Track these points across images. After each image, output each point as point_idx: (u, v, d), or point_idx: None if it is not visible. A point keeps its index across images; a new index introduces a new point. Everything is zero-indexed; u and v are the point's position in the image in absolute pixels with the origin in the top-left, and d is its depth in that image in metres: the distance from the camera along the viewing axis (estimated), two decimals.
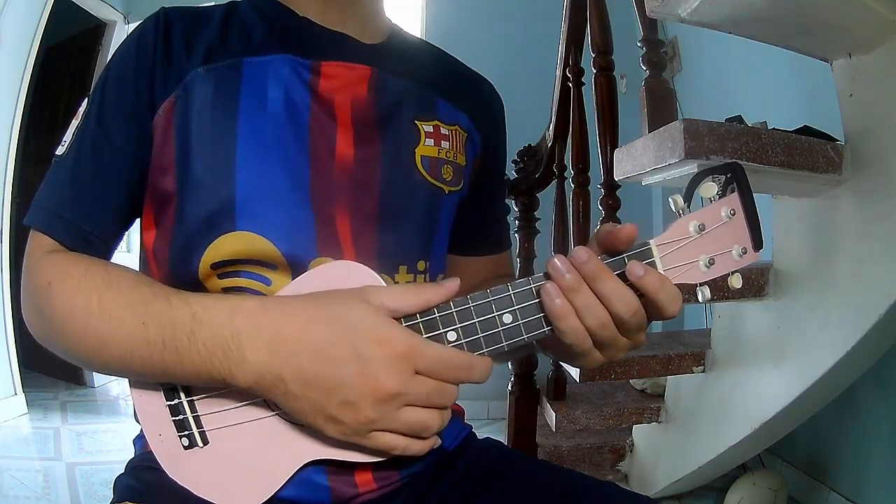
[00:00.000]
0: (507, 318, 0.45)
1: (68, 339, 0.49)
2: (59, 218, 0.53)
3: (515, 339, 0.45)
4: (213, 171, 0.52)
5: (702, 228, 0.45)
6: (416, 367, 0.43)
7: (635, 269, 0.43)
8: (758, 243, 0.45)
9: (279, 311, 0.44)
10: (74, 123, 0.55)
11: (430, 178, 0.60)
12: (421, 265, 0.59)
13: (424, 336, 0.45)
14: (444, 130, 0.62)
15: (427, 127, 0.61)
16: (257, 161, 0.53)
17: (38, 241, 0.53)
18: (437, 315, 0.45)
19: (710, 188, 0.45)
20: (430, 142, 0.60)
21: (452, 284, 0.45)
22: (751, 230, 0.45)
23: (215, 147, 0.53)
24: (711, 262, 0.45)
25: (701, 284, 0.46)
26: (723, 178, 0.46)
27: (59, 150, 0.55)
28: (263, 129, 0.53)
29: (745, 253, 0.45)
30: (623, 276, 0.44)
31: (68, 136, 0.55)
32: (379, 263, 0.49)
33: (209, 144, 0.53)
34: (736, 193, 0.45)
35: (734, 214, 0.45)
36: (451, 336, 0.45)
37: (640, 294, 0.44)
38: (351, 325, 0.43)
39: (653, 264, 0.45)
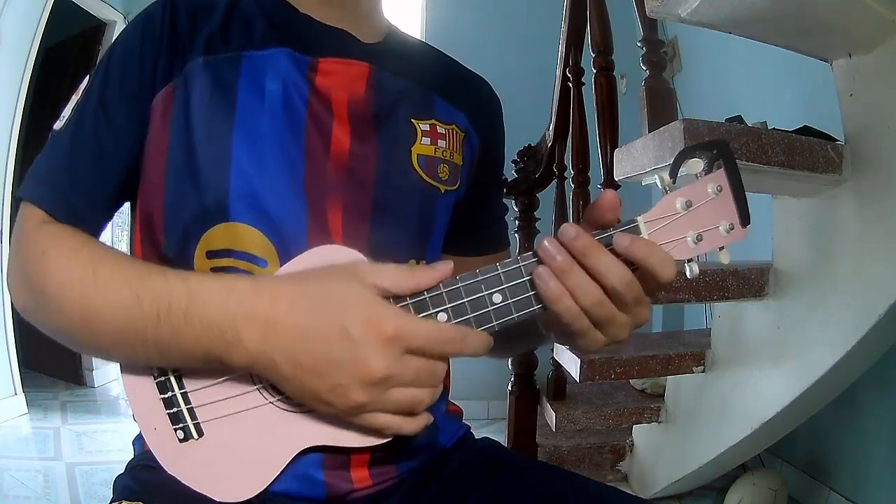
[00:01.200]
0: (497, 298, 0.45)
1: (60, 311, 0.48)
2: (55, 191, 0.52)
3: (505, 318, 0.46)
4: (209, 162, 0.52)
5: (689, 205, 0.45)
6: (406, 347, 0.43)
7: (621, 239, 0.43)
8: (745, 219, 0.46)
9: (271, 292, 0.44)
10: (75, 99, 0.55)
11: (425, 177, 0.60)
12: (412, 264, 0.58)
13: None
14: (440, 129, 0.62)
15: (424, 126, 0.61)
16: (252, 153, 0.53)
17: (31, 213, 0.52)
18: (426, 296, 0.46)
19: (695, 164, 0.46)
20: (427, 140, 0.60)
21: (445, 268, 0.46)
22: (738, 206, 0.45)
23: (211, 138, 0.53)
24: (699, 238, 0.45)
25: (689, 260, 0.46)
26: (708, 154, 0.46)
27: (58, 125, 0.55)
28: (260, 123, 0.54)
29: (733, 229, 0.46)
30: (614, 252, 0.44)
31: (68, 111, 0.55)
32: (368, 259, 0.49)
33: (205, 136, 0.53)
34: (722, 170, 0.46)
35: (721, 190, 0.45)
36: (442, 317, 0.46)
37: (633, 266, 0.44)
38: (341, 306, 0.43)
39: None
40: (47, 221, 0.52)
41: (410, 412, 0.46)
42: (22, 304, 0.51)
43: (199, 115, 0.53)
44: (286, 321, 0.43)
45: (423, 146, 0.60)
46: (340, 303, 0.43)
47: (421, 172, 0.59)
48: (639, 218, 0.45)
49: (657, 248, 0.44)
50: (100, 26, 3.07)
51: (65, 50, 3.18)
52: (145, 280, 0.46)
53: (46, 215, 0.52)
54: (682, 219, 0.45)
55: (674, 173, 0.46)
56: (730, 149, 0.46)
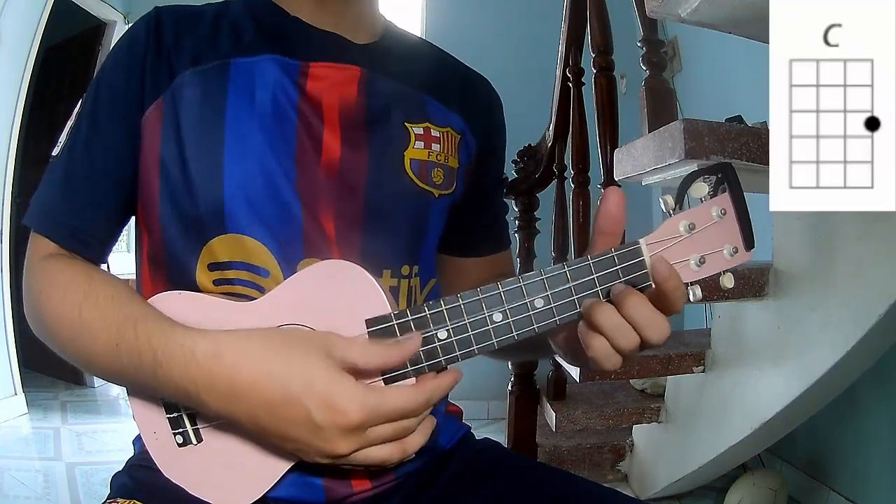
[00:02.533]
0: (497, 317, 0.45)
1: (61, 345, 0.51)
2: (53, 218, 0.54)
3: (505, 337, 0.46)
4: (202, 174, 0.52)
5: (692, 228, 0.45)
6: (371, 425, 0.43)
7: (663, 268, 0.43)
8: (749, 243, 0.45)
9: (233, 359, 0.44)
10: (69, 125, 0.56)
11: (419, 182, 0.59)
12: (405, 270, 0.58)
13: (417, 333, 0.45)
14: (434, 132, 0.61)
15: (417, 129, 0.59)
16: (245, 163, 0.53)
17: (36, 245, 0.54)
18: (427, 314, 0.46)
19: (700, 188, 0.45)
20: (420, 144, 0.59)
21: (413, 343, 0.45)
22: (742, 230, 0.45)
23: (203, 149, 0.53)
24: (702, 262, 0.45)
25: (692, 284, 0.46)
26: (714, 178, 0.46)
27: (55, 152, 0.56)
28: (251, 131, 0.53)
29: (737, 252, 0.45)
30: (615, 274, 0.44)
31: (63, 138, 0.56)
32: (362, 266, 0.48)
33: (197, 147, 0.53)
34: (727, 193, 0.45)
35: (725, 214, 0.45)
36: (442, 334, 0.46)
37: (644, 286, 0.44)
38: (306, 385, 0.42)
39: (642, 263, 0.45)
40: (49, 254, 0.54)
41: (376, 467, 0.47)
42: (35, 331, 0.54)
43: (189, 126, 0.53)
44: (249, 396, 0.43)
45: (416, 150, 0.59)
46: (305, 383, 0.43)
47: (413, 177, 0.58)
48: (641, 240, 0.45)
49: (681, 281, 0.44)
50: (100, 26, 3.07)
51: (65, 50, 3.18)
52: (121, 330, 0.47)
53: (51, 245, 0.54)
54: (685, 242, 0.45)
55: (679, 199, 0.45)
56: (734, 172, 0.45)
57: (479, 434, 0.68)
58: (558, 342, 0.52)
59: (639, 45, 1.36)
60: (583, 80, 1.63)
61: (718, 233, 0.45)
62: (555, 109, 1.76)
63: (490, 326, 0.45)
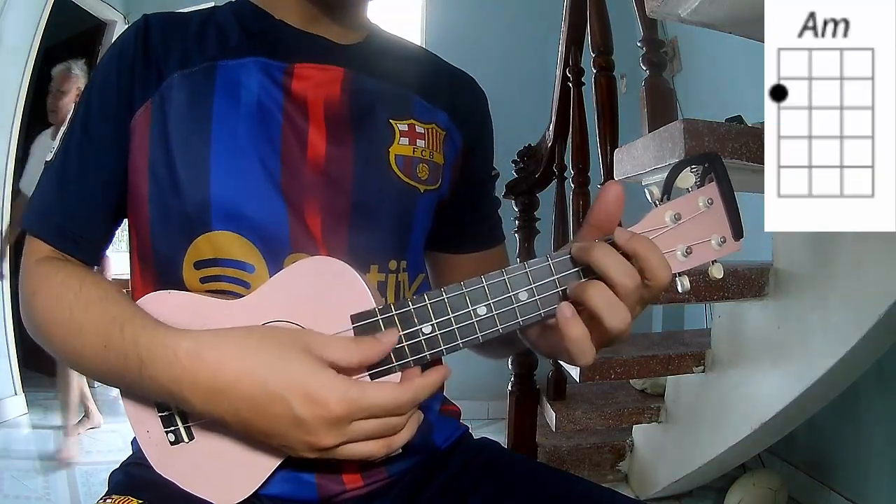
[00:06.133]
0: (482, 311, 0.45)
1: (52, 346, 0.52)
2: (46, 220, 0.55)
3: (489, 331, 0.46)
4: (189, 174, 0.53)
5: (678, 218, 0.44)
6: (354, 418, 0.43)
7: (622, 234, 0.43)
8: (738, 232, 0.45)
9: (215, 358, 0.44)
10: (62, 130, 0.58)
11: (403, 177, 0.59)
12: (392, 264, 0.58)
13: (401, 331, 0.46)
14: (419, 129, 0.61)
15: (402, 126, 0.60)
16: (231, 162, 0.54)
17: (32, 248, 0.55)
18: (411, 308, 0.46)
19: (687, 178, 0.45)
20: (405, 140, 0.60)
21: (390, 338, 0.45)
22: (730, 219, 0.45)
23: (190, 149, 0.54)
24: (689, 252, 0.45)
25: (680, 274, 0.45)
26: (700, 168, 0.45)
27: (48, 157, 0.57)
28: (237, 130, 0.54)
29: (725, 242, 0.45)
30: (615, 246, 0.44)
31: (56, 143, 0.57)
32: (349, 261, 0.49)
33: (184, 147, 0.54)
34: (714, 183, 0.45)
35: (712, 204, 0.45)
36: (427, 329, 0.46)
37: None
38: (287, 381, 0.43)
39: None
40: (44, 257, 0.55)
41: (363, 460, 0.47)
42: (29, 331, 0.54)
43: (176, 127, 0.54)
44: (233, 390, 0.44)
45: (400, 146, 0.60)
46: (286, 378, 0.43)
47: (399, 173, 0.59)
48: (626, 230, 0.45)
49: (657, 248, 0.43)
50: (100, 26, 3.08)
51: (65, 50, 3.18)
52: (108, 331, 0.47)
53: (46, 248, 0.55)
54: (671, 232, 0.45)
55: (667, 189, 0.45)
56: (722, 162, 0.45)
57: (478, 434, 0.68)
58: (530, 333, 0.52)
59: (639, 45, 1.36)
60: (583, 80, 1.64)
61: (705, 223, 0.45)
62: (555, 109, 1.76)
63: (475, 320, 0.46)
